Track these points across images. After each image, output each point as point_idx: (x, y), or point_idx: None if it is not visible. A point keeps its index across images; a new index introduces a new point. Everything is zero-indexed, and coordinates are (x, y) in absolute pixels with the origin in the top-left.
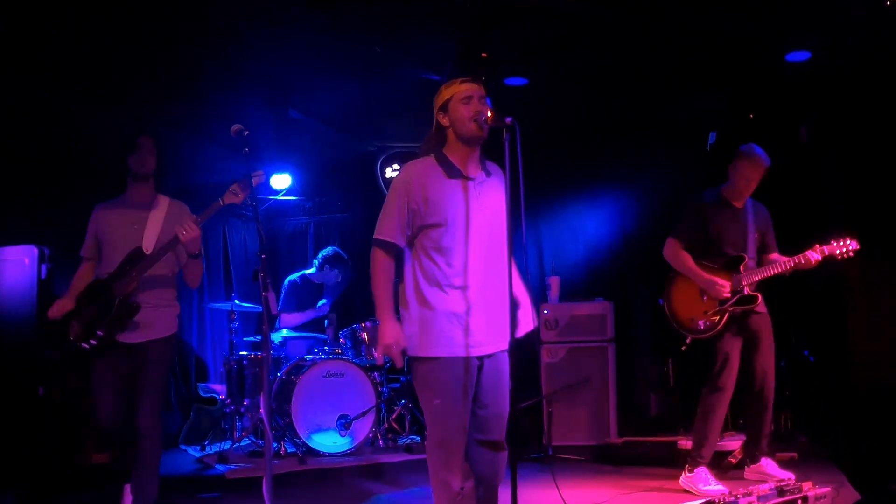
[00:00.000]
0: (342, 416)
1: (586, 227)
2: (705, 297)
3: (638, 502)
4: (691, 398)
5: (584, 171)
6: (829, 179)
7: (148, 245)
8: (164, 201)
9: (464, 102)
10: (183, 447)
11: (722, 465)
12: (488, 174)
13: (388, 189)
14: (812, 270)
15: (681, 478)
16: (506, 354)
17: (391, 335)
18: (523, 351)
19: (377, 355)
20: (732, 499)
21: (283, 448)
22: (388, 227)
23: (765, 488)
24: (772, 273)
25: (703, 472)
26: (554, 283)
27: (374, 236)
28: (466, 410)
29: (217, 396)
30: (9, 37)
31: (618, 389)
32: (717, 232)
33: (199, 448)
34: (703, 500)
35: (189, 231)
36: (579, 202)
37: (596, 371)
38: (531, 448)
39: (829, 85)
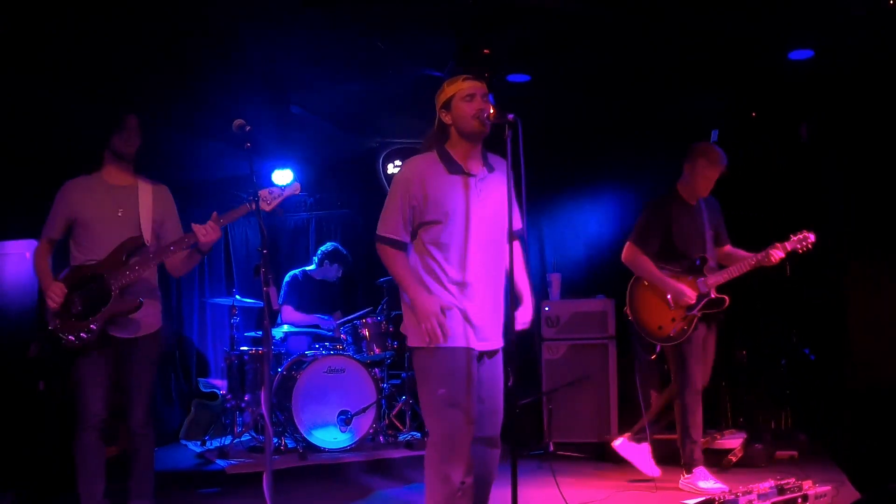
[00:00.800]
0: (343, 412)
1: (588, 224)
2: (672, 304)
3: (638, 500)
4: None
5: (586, 168)
6: (828, 178)
7: (146, 235)
8: (146, 185)
9: (466, 100)
10: (183, 442)
11: (723, 463)
12: (491, 170)
13: (389, 185)
14: (812, 269)
15: (679, 481)
16: (501, 352)
17: (431, 305)
18: (524, 348)
19: (422, 329)
20: (732, 497)
21: (283, 443)
22: (391, 224)
23: (765, 486)
24: (736, 274)
25: (700, 471)
26: (555, 279)
27: (378, 233)
28: (471, 401)
29: (218, 391)
30: (9, 36)
31: (619, 387)
32: (678, 233)
33: (199, 443)
34: (703, 499)
35: (210, 232)
36: (581, 199)
37: (597, 368)
38: (531, 445)
39: (832, 84)
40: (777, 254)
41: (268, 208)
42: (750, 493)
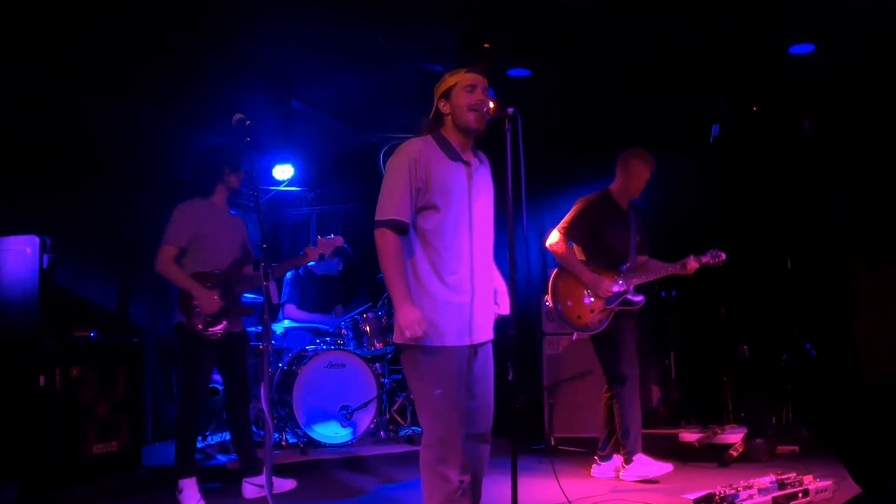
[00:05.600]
0: (343, 407)
1: None
2: (591, 296)
3: (638, 494)
4: (693, 391)
5: (587, 162)
6: (833, 173)
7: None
8: (236, 216)
9: (467, 91)
10: None
11: (724, 458)
12: (480, 162)
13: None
14: (815, 264)
15: (621, 473)
16: (491, 345)
17: (413, 315)
18: (525, 343)
19: (401, 338)
20: (733, 491)
21: (284, 439)
22: (398, 205)
23: (766, 481)
24: (654, 277)
25: (641, 458)
26: None
27: (381, 217)
28: (464, 402)
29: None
30: (11, 27)
31: None
32: (607, 232)
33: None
34: (705, 493)
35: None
36: (582, 194)
37: (597, 363)
38: (532, 440)
39: (834, 78)
40: (692, 265)
41: (326, 252)
42: (750, 487)
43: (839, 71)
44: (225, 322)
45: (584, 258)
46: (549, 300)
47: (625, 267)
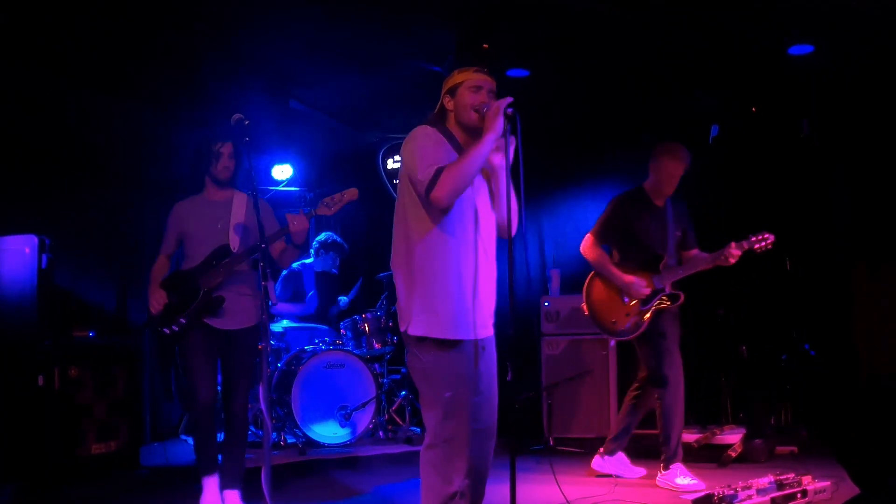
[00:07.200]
0: (342, 407)
1: (588, 219)
2: (626, 298)
3: (637, 495)
4: (692, 391)
5: (586, 163)
6: (833, 174)
7: (234, 243)
8: (241, 197)
9: (472, 91)
10: (184, 437)
11: (722, 459)
12: None
13: (390, 179)
14: (819, 264)
15: (657, 477)
16: (494, 339)
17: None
18: (524, 343)
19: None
20: (731, 492)
21: (283, 439)
22: (434, 160)
23: (764, 482)
24: (692, 271)
25: (677, 467)
26: (555, 275)
27: (425, 175)
28: (472, 401)
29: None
30: (11, 27)
31: (618, 382)
32: (639, 231)
33: None
34: (703, 494)
35: (300, 223)
36: (581, 194)
37: (597, 363)
38: (531, 441)
39: (833, 78)
40: (735, 252)
41: (329, 212)
42: (749, 488)
43: (839, 71)
44: (183, 319)
45: (617, 259)
46: (583, 306)
47: (661, 265)
